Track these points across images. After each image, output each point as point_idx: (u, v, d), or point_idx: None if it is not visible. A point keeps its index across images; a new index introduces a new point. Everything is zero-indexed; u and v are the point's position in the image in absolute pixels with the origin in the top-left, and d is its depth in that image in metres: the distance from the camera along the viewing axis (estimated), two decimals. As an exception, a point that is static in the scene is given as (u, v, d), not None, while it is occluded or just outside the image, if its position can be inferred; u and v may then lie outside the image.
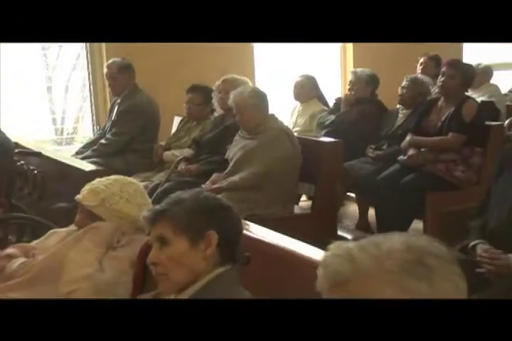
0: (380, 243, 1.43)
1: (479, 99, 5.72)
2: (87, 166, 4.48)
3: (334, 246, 1.45)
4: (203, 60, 7.11)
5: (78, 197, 2.99)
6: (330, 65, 8.44)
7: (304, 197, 5.72)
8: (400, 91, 5.87)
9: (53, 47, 7.61)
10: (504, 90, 7.69)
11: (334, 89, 7.84)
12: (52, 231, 3.26)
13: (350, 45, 8.24)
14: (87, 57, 7.29)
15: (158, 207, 2.36)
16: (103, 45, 7.10)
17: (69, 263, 2.86)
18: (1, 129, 5.09)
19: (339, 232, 5.06)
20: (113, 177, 3.10)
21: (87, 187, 3.01)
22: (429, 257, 1.41)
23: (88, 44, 7.21)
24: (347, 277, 1.39)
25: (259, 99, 4.90)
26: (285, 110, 6.91)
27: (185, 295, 2.26)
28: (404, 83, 5.84)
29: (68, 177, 4.47)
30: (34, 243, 3.24)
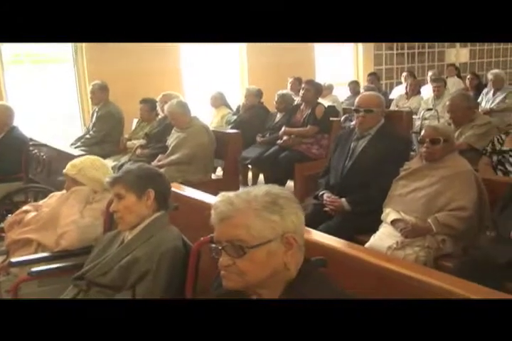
0: (250, 191, 1.43)
1: (326, 104, 5.77)
2: (76, 152, 4.35)
3: (220, 195, 1.45)
4: (152, 82, 7.04)
5: (64, 170, 2.91)
6: (233, 82, 8.39)
7: (219, 168, 5.68)
8: (275, 104, 5.86)
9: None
10: (341, 99, 7.82)
11: (236, 98, 7.74)
12: (52, 194, 3.16)
13: (246, 69, 8.23)
14: (75, 79, 7.20)
15: (115, 174, 2.32)
16: (86, 70, 6.93)
17: (62, 214, 2.78)
18: (19, 129, 4.93)
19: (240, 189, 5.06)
20: (86, 156, 3.04)
21: (69, 163, 2.94)
22: (280, 199, 1.41)
23: (76, 69, 7.06)
24: (229, 214, 1.38)
25: (183, 108, 4.80)
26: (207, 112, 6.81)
27: (135, 231, 2.23)
28: (276, 98, 5.83)
29: (65, 160, 4.32)
30: (41, 202, 3.14)
